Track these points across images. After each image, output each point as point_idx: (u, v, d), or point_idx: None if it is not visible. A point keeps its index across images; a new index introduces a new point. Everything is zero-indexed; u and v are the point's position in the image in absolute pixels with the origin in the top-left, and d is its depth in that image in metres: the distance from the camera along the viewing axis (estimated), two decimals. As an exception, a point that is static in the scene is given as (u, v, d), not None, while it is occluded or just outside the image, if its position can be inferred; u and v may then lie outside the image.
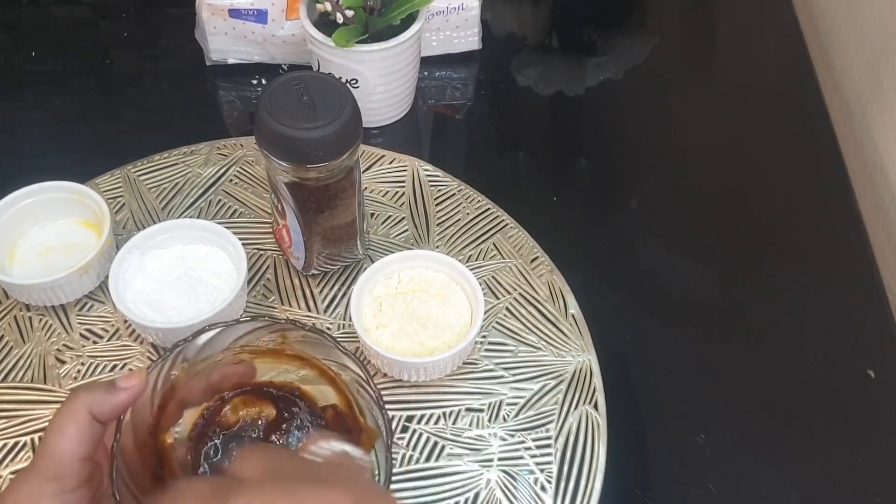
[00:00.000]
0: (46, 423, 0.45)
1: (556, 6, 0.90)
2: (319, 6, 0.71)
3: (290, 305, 0.64)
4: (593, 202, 0.73)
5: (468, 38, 0.82)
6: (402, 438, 0.57)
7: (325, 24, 0.71)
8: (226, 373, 0.47)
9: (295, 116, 0.53)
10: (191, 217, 0.68)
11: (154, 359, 0.58)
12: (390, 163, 0.72)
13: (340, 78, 0.70)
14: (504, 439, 0.57)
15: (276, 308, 0.63)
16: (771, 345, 0.64)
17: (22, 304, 0.63)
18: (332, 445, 0.43)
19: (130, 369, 0.57)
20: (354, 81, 0.71)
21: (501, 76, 0.82)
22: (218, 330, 0.45)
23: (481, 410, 0.58)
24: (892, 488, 0.57)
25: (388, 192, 0.71)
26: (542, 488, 0.55)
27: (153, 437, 0.45)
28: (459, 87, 0.81)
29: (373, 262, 0.61)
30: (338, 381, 0.48)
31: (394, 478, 0.55)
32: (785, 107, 0.80)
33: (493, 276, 0.65)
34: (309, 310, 0.64)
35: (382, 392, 0.59)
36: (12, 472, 0.55)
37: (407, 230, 0.68)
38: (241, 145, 0.74)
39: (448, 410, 0.58)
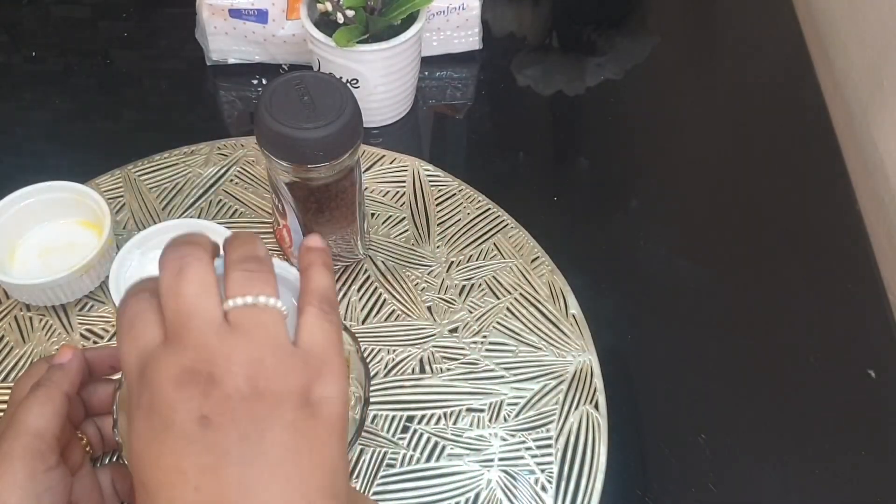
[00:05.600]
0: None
1: (556, 6, 0.90)
2: (320, 6, 0.71)
3: (291, 305, 0.64)
4: (593, 202, 0.73)
5: (469, 38, 0.82)
6: (403, 439, 0.57)
7: (326, 23, 0.71)
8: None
9: (295, 116, 0.53)
10: (191, 217, 0.68)
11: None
12: (391, 163, 0.72)
13: (341, 78, 0.70)
14: (505, 439, 0.57)
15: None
16: (771, 345, 0.64)
17: (22, 305, 0.63)
18: None
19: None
20: (355, 81, 0.71)
21: (501, 76, 0.82)
22: None
23: (482, 410, 0.59)
24: (893, 488, 0.57)
25: (388, 191, 0.71)
26: (543, 488, 0.55)
27: None
28: (460, 87, 0.81)
29: (374, 263, 0.59)
30: None
31: (394, 478, 0.56)
32: (785, 107, 0.80)
33: (493, 276, 0.65)
34: (309, 310, 0.63)
35: (382, 392, 0.59)
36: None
37: (407, 230, 0.68)
38: (242, 145, 0.74)
39: (448, 410, 0.58)
